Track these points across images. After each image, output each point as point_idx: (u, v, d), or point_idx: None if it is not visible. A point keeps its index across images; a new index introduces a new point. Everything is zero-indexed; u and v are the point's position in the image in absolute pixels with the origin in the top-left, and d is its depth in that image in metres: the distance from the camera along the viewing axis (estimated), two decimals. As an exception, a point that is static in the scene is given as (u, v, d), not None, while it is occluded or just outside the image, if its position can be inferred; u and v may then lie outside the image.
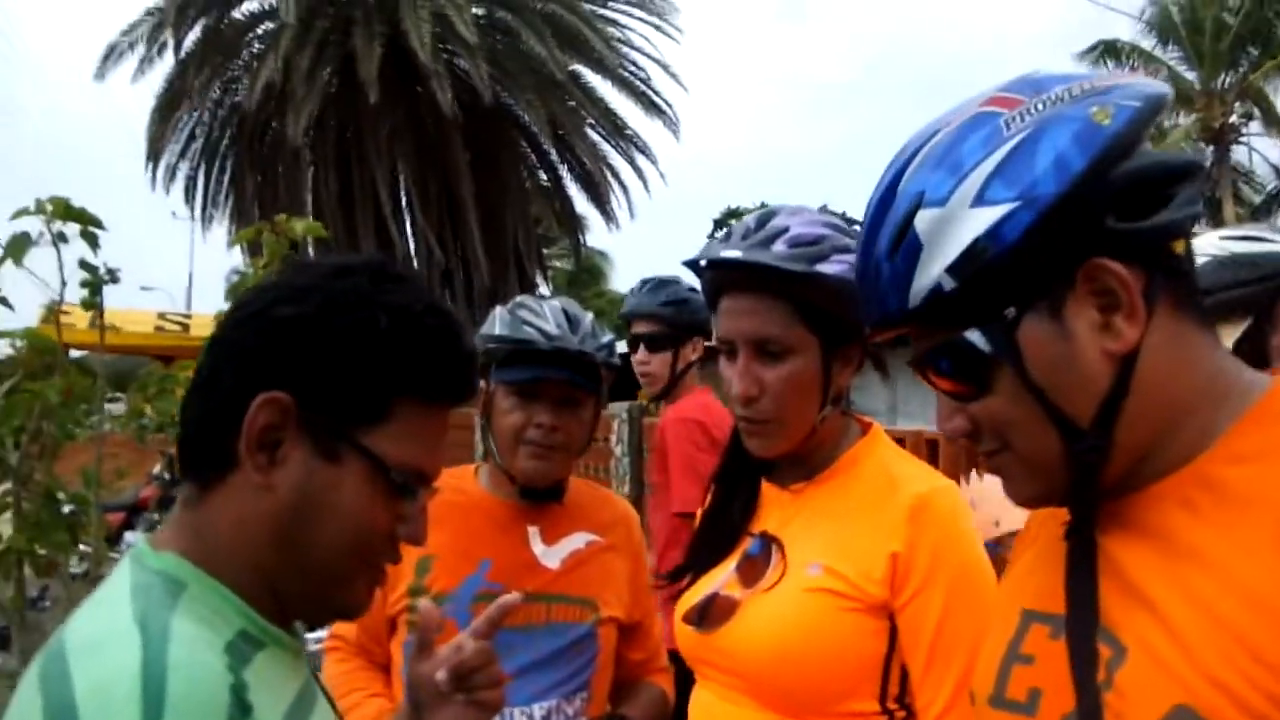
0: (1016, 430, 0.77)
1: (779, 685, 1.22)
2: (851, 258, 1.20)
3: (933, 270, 0.75)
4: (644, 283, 2.93)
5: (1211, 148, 21.70)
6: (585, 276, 31.72)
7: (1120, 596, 0.74)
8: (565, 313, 1.65)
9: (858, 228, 1.25)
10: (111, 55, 15.41)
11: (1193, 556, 0.71)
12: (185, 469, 0.87)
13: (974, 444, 0.81)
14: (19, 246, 2.52)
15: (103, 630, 0.77)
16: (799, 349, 1.24)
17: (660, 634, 1.74)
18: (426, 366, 0.87)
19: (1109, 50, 21.73)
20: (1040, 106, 0.75)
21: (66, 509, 2.56)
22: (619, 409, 7.02)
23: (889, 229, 0.78)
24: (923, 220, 0.76)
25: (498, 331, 1.64)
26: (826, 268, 1.21)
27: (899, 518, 1.22)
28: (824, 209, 1.33)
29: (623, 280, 32.95)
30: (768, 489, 1.36)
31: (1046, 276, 0.73)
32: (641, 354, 2.85)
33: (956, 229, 0.74)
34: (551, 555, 1.65)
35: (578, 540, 1.68)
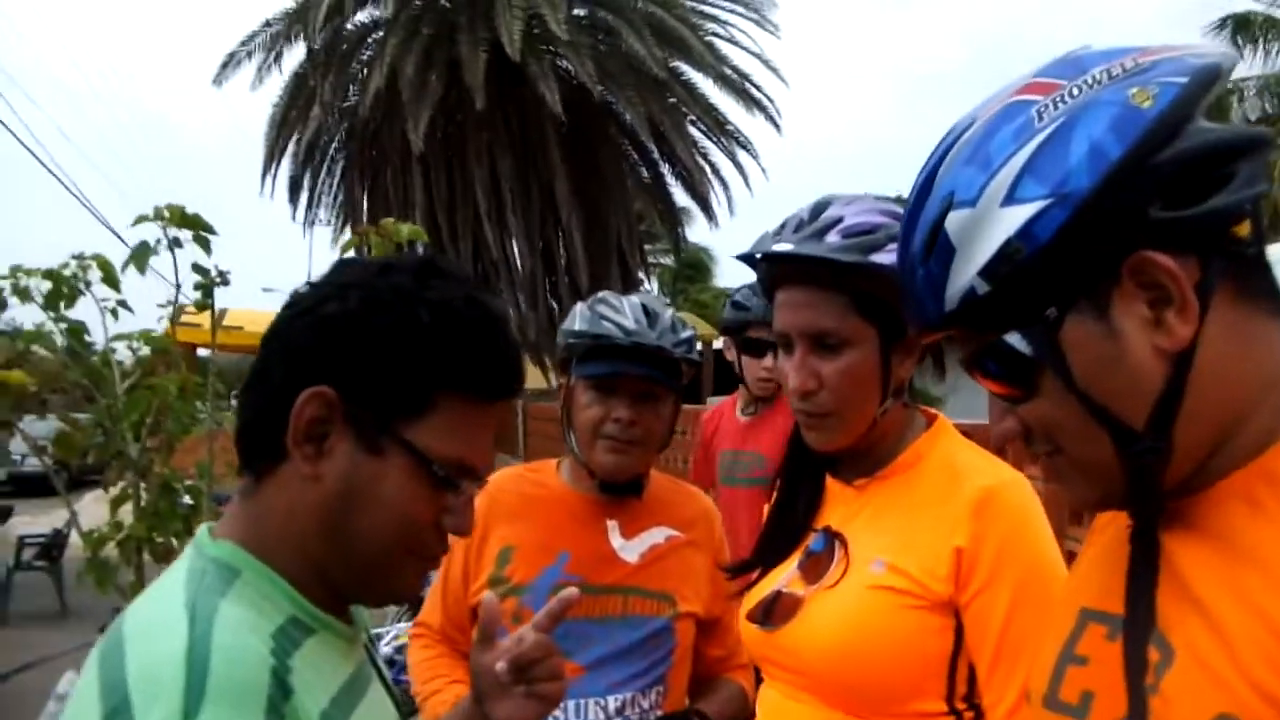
0: (1066, 434, 0.74)
1: (843, 684, 1.21)
2: None
3: (966, 274, 0.73)
4: (754, 287, 2.94)
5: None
6: (691, 272, 31.69)
7: (1176, 599, 0.71)
8: (645, 308, 1.67)
9: None
10: (230, 63, 16.06)
11: (1252, 556, 0.67)
12: (242, 461, 0.92)
13: (1028, 446, 0.79)
14: (142, 255, 2.68)
15: (156, 615, 0.82)
16: (856, 341, 1.23)
17: (738, 631, 1.76)
18: (468, 361, 0.89)
19: (1240, 25, 20.60)
20: (1076, 91, 0.71)
21: (183, 500, 2.71)
22: (715, 403, 7.03)
23: (922, 231, 0.76)
24: (953, 222, 0.73)
25: (577, 327, 1.67)
26: (882, 257, 1.19)
27: (963, 512, 1.19)
28: (884, 197, 1.30)
29: (727, 276, 32.80)
30: (832, 484, 1.35)
31: (1088, 274, 0.69)
32: (769, 360, 2.87)
33: (987, 230, 0.71)
34: (630, 549, 1.67)
35: (657, 535, 1.70)
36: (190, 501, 2.75)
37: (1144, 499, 0.74)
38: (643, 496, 1.73)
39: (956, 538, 1.19)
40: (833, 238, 1.21)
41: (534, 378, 15.47)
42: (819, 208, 1.26)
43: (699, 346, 1.76)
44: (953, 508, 1.21)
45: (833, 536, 1.28)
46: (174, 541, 2.64)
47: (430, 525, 0.90)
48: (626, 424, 1.62)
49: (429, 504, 0.89)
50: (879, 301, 1.21)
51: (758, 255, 1.27)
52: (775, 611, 1.29)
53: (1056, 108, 0.71)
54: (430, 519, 0.90)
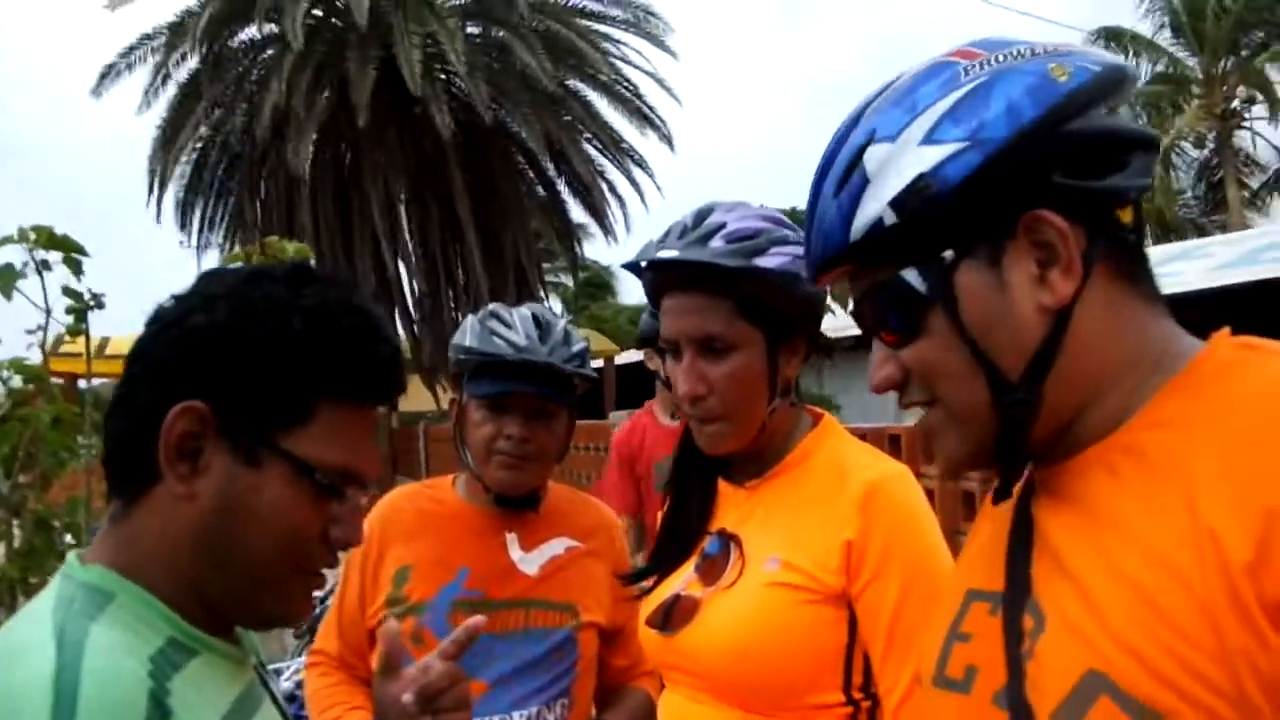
0: (945, 379, 0.77)
1: (743, 683, 1.22)
2: (792, 249, 1.23)
3: (876, 204, 0.76)
4: None
5: (1214, 133, 21.64)
6: (593, 290, 31.75)
7: (1048, 567, 0.75)
8: (536, 320, 1.65)
9: (792, 225, 1.27)
10: (109, 75, 15.46)
11: (1112, 522, 0.71)
12: (111, 484, 0.88)
13: (903, 397, 0.81)
14: (7, 278, 2.54)
15: (21, 640, 0.78)
16: (743, 344, 1.25)
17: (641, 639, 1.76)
18: (345, 366, 0.87)
19: (1111, 37, 21.75)
20: (1000, 59, 0.76)
21: (64, 538, 2.57)
22: (619, 417, 7.03)
23: (838, 168, 0.79)
24: (872, 156, 0.77)
25: (468, 343, 1.65)
26: (765, 261, 1.21)
27: (851, 506, 1.23)
28: (765, 208, 1.33)
29: (629, 292, 32.93)
30: (724, 487, 1.36)
31: (987, 222, 0.74)
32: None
33: (903, 165, 0.75)
34: (530, 561, 1.65)
35: (557, 546, 1.68)
36: (71, 539, 2.61)
37: (1010, 453, 0.78)
38: (540, 509, 1.71)
39: (846, 531, 1.22)
40: (716, 243, 1.23)
41: (433, 400, 15.25)
42: (702, 214, 1.28)
43: (599, 363, 1.75)
44: (841, 502, 1.24)
45: (727, 538, 1.29)
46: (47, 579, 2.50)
47: (316, 538, 0.88)
48: (519, 440, 1.61)
49: (314, 515, 0.87)
50: (763, 305, 1.24)
51: (643, 263, 1.28)
52: (674, 616, 1.29)
53: (981, 69, 0.76)
54: (316, 531, 0.87)
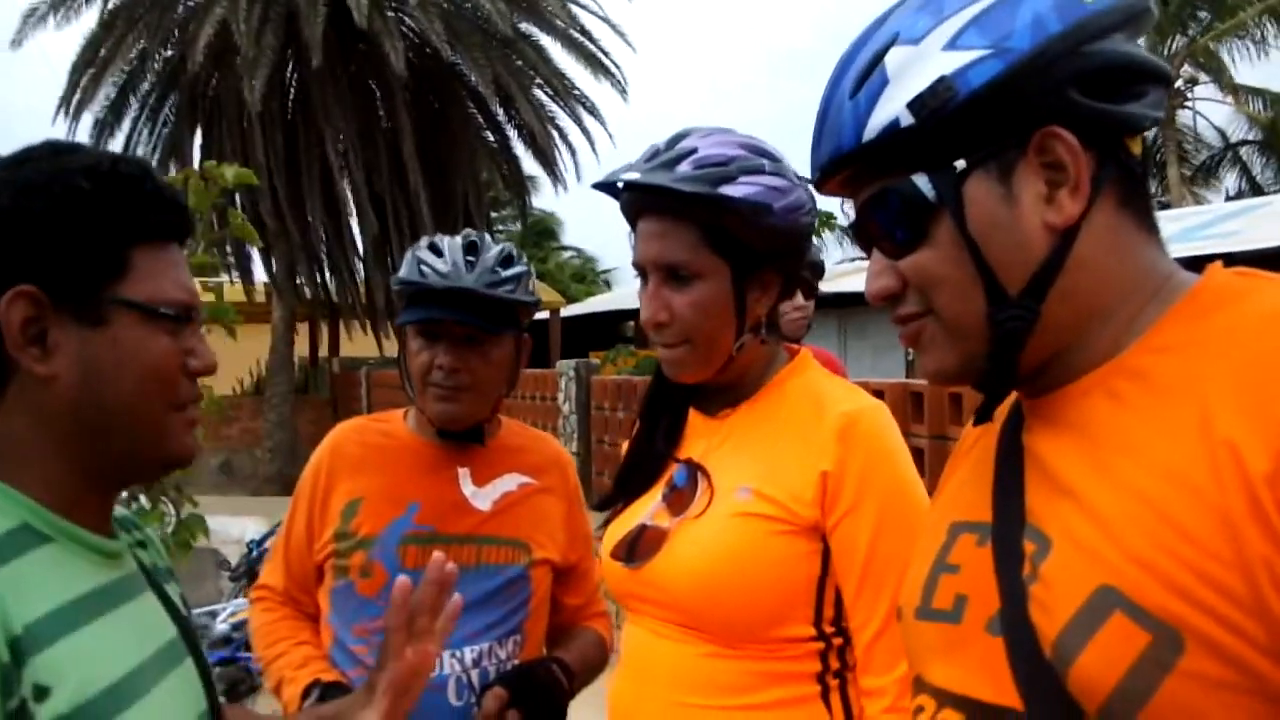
0: (944, 288, 0.77)
1: (711, 614, 1.21)
2: (764, 180, 1.20)
3: (895, 105, 0.75)
4: None
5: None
6: (538, 237, 31.53)
7: (1046, 493, 0.75)
8: (470, 246, 1.60)
9: (776, 154, 1.25)
10: (32, 18, 14.81)
11: (1118, 443, 0.71)
12: None
13: (896, 310, 0.81)
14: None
15: None
16: (707, 274, 1.23)
17: (598, 579, 1.73)
18: (142, 209, 0.92)
19: None
20: None
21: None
22: (566, 366, 7.00)
23: (857, 67, 0.79)
24: (894, 58, 0.76)
25: (402, 274, 1.62)
26: (732, 190, 1.19)
27: (828, 437, 1.22)
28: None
29: (574, 239, 32.77)
30: (694, 418, 1.34)
31: (1003, 133, 0.74)
32: (800, 300, 2.98)
33: (925, 67, 0.74)
34: (482, 497, 1.63)
35: (509, 482, 1.66)
36: None
37: (1001, 369, 0.77)
38: (489, 443, 1.68)
39: (823, 462, 1.20)
40: (683, 168, 1.20)
41: (376, 346, 15.09)
42: (676, 138, 1.26)
43: (545, 314, 1.72)
44: (817, 433, 1.22)
45: (695, 468, 1.28)
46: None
47: (178, 370, 0.93)
48: (449, 370, 1.58)
49: (169, 349, 0.92)
50: (730, 235, 1.21)
51: (619, 184, 1.26)
52: (639, 547, 1.28)
53: None
54: (176, 364, 0.93)
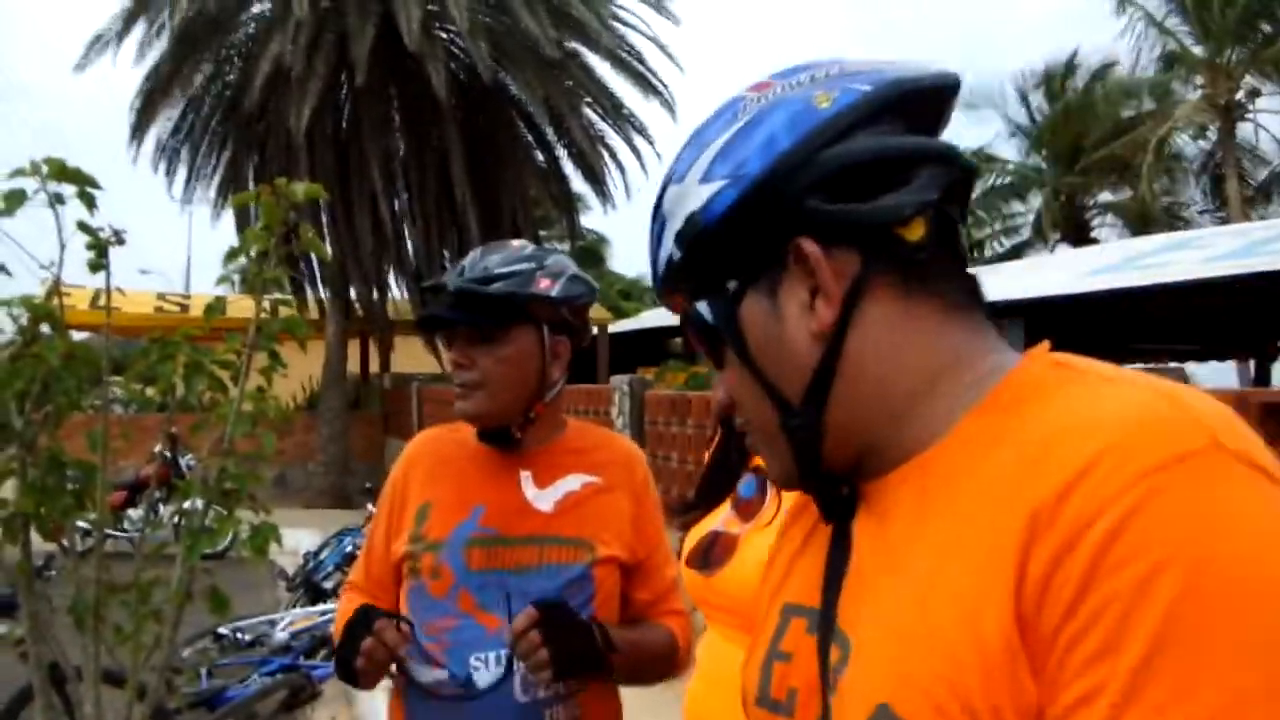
0: (745, 402, 0.80)
1: None
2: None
3: (669, 241, 0.80)
4: None
5: (1216, 124, 21.64)
6: (588, 258, 31.70)
7: (855, 589, 0.74)
8: (483, 251, 1.66)
9: None
10: (96, 44, 15.25)
11: (916, 547, 0.69)
12: None
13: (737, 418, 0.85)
14: (14, 199, 2.51)
15: None
16: None
17: (673, 576, 1.73)
18: None
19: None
20: (780, 91, 0.78)
21: (70, 473, 2.56)
22: (620, 382, 7.03)
23: (653, 208, 0.84)
24: (668, 196, 0.81)
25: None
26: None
27: None
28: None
29: (622, 256, 32.91)
30: None
31: (759, 254, 0.76)
32: None
33: (686, 203, 0.78)
34: (544, 498, 1.67)
35: (572, 482, 1.69)
36: (78, 477, 2.60)
37: (809, 474, 0.78)
38: (551, 446, 1.72)
39: None
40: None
41: (430, 362, 15.26)
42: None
43: (592, 330, 1.73)
44: None
45: (764, 477, 1.30)
46: (62, 518, 2.50)
47: None
48: (457, 368, 1.64)
49: None
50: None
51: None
52: (712, 554, 1.32)
53: (759, 103, 0.78)
54: None
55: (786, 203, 0.73)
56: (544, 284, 1.62)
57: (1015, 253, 25.17)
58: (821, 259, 0.73)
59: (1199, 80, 21.50)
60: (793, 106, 0.75)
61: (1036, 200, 25.25)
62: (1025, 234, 26.03)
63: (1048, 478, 0.61)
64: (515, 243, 1.71)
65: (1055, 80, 25.34)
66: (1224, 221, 19.95)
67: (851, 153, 0.73)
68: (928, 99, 0.77)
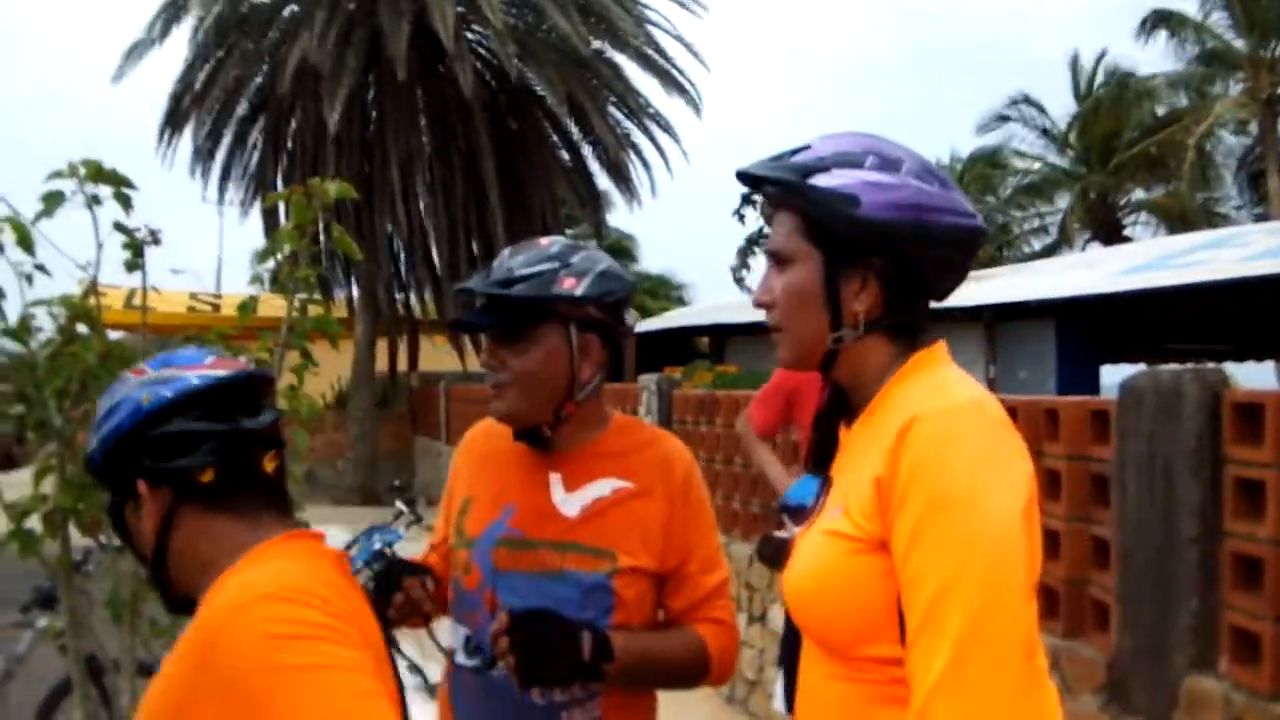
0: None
1: (810, 626, 1.21)
2: (859, 174, 1.21)
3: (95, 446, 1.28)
4: None
5: (1256, 119, 21.28)
6: (614, 257, 31.72)
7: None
8: (510, 252, 1.68)
9: (900, 155, 1.27)
10: (133, 54, 15.43)
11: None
12: None
13: None
14: (52, 201, 2.54)
15: None
16: (800, 259, 1.24)
17: (715, 583, 1.70)
18: None
19: (1162, 19, 21.55)
20: (130, 381, 1.28)
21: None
22: (648, 381, 7.01)
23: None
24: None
25: None
26: (820, 179, 1.21)
27: (889, 442, 1.13)
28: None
29: (648, 254, 32.92)
30: (843, 428, 1.32)
31: (122, 484, 1.25)
32: None
33: (89, 447, 1.30)
34: (571, 503, 1.65)
35: (602, 487, 1.66)
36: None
37: (167, 601, 1.32)
38: (585, 449, 1.68)
39: (879, 468, 1.13)
40: (791, 161, 1.24)
41: (458, 361, 15.32)
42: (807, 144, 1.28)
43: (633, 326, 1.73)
44: (884, 440, 1.15)
45: (826, 480, 1.28)
46: (100, 514, 2.53)
47: None
48: (486, 368, 1.65)
49: None
50: (819, 225, 1.22)
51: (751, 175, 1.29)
52: (783, 556, 1.33)
53: (116, 395, 1.27)
54: None
55: (130, 460, 1.23)
56: (568, 283, 1.61)
57: (1046, 253, 24.89)
58: (147, 493, 1.23)
59: (1240, 75, 21.16)
60: (134, 397, 1.23)
61: (1065, 200, 24.97)
62: (1055, 234, 25.73)
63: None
64: (544, 240, 1.69)
65: (1082, 77, 25.05)
66: (1263, 218, 19.61)
67: (165, 433, 1.22)
68: (236, 390, 1.27)
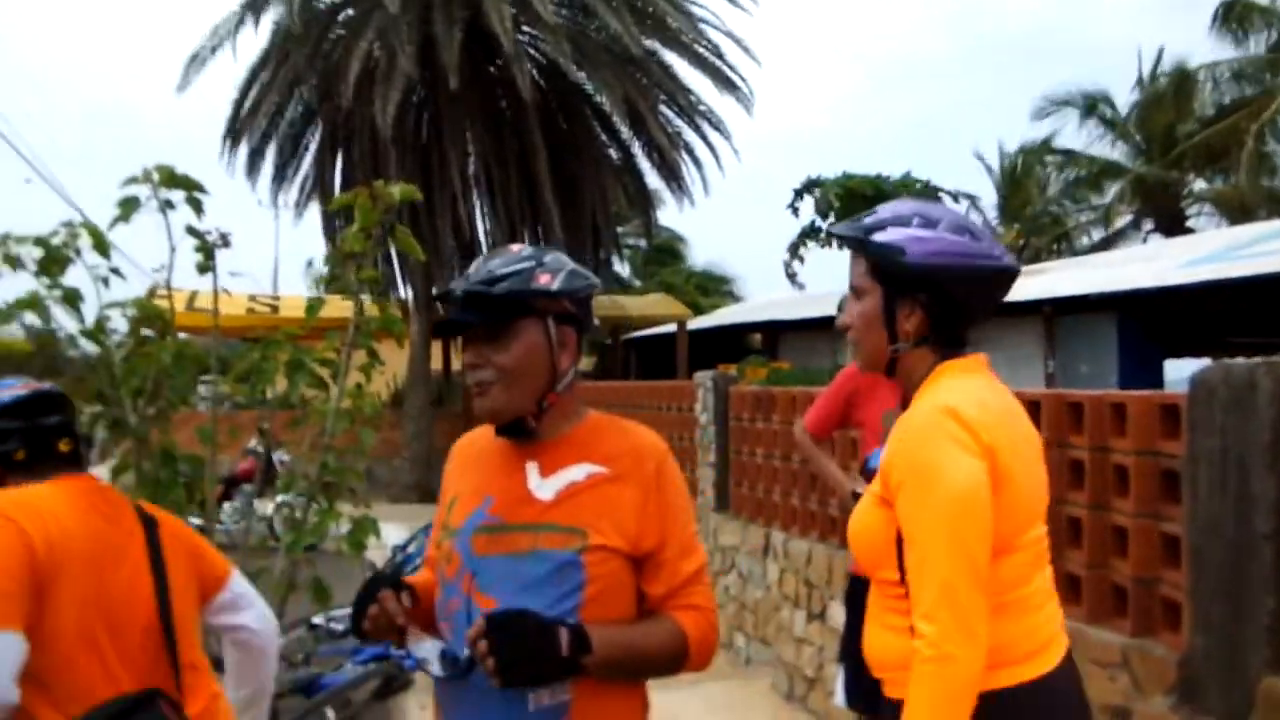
0: None
1: (856, 557, 1.85)
2: (907, 231, 1.69)
3: None
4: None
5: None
6: (663, 255, 31.72)
7: None
8: (484, 258, 1.78)
9: (940, 216, 1.72)
10: (194, 62, 15.77)
11: None
12: None
13: None
14: (128, 207, 2.62)
15: None
16: (867, 291, 1.76)
17: (692, 569, 1.74)
18: None
19: (1229, 11, 21.10)
20: None
21: (181, 468, 2.67)
22: (704, 378, 7.02)
23: None
24: None
25: None
26: (879, 235, 1.72)
27: (899, 430, 1.67)
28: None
29: (700, 251, 32.86)
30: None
31: None
32: None
33: None
34: (546, 487, 1.73)
35: (576, 472, 1.73)
36: (187, 472, 2.70)
37: None
38: (560, 438, 1.76)
39: (891, 447, 1.67)
40: (862, 222, 1.77)
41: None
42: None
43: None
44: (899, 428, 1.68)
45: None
46: (174, 510, 2.60)
47: None
48: (469, 368, 1.72)
49: None
50: (879, 268, 1.73)
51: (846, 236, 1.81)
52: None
53: None
54: None
55: None
56: (544, 279, 1.72)
57: (1105, 245, 24.43)
58: None
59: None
60: None
61: (1123, 190, 24.47)
62: (1117, 224, 25.21)
63: None
64: (514, 247, 1.82)
65: (1144, 67, 24.54)
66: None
67: None
68: (36, 402, 1.89)
